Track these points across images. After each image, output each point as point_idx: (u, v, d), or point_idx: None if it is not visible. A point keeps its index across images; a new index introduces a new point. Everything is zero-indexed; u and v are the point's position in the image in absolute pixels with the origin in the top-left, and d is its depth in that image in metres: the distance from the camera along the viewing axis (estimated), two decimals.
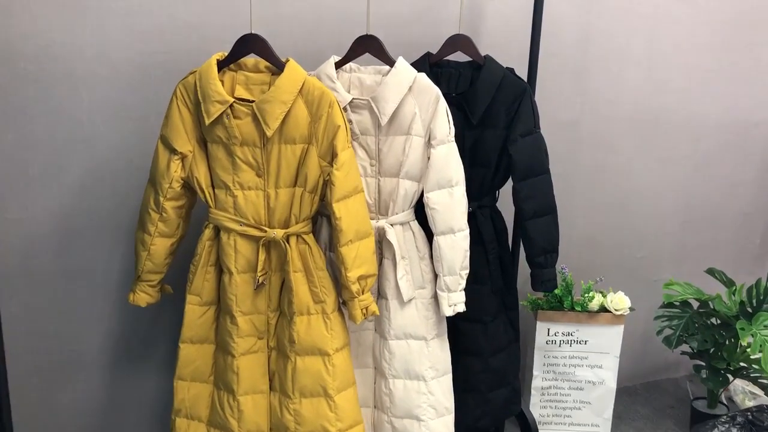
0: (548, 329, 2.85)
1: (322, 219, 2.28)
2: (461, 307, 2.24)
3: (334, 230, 2.08)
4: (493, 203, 2.43)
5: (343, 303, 2.19)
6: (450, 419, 2.33)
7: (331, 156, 2.05)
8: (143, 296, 2.21)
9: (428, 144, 2.18)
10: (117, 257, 2.41)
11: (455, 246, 2.19)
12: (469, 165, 2.32)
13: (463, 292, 2.25)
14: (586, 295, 2.84)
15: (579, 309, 2.84)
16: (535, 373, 2.89)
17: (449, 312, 2.23)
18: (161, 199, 2.10)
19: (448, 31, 2.39)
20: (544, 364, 2.90)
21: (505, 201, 2.46)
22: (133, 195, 2.37)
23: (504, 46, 2.62)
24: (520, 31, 2.68)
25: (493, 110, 2.30)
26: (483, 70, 2.29)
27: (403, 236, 2.23)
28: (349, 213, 2.06)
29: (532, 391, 2.90)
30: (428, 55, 2.37)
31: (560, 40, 2.84)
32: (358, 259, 2.09)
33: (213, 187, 2.11)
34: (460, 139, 2.25)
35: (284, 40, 2.44)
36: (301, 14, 2.47)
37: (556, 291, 2.80)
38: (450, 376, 2.34)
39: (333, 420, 2.12)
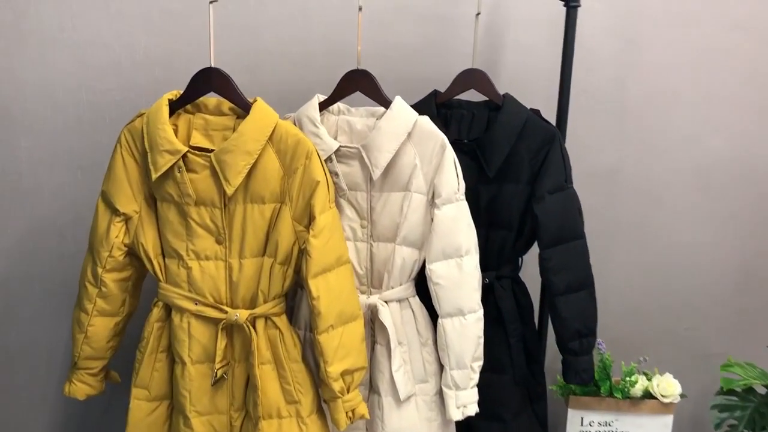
0: (582, 418, 2.39)
1: (302, 292, 1.86)
2: (472, 409, 1.80)
3: (312, 313, 1.65)
4: (514, 273, 1.99)
5: (325, 401, 1.75)
6: None
7: (309, 219, 1.63)
8: (81, 387, 1.80)
9: (432, 203, 1.76)
10: (64, 333, 2.00)
11: (465, 332, 1.75)
12: (485, 226, 1.89)
13: (476, 390, 1.81)
14: (628, 378, 2.36)
15: (619, 395, 2.36)
16: None
17: (457, 416, 1.78)
18: (99, 270, 1.69)
19: (459, 65, 1.98)
20: None
21: (530, 270, 2.01)
22: (82, 258, 1.98)
23: (526, 83, 2.21)
24: (545, 64, 2.27)
25: (514, 160, 1.87)
26: (502, 111, 1.88)
27: (401, 316, 1.80)
28: (329, 291, 1.64)
29: None
30: (435, 93, 1.97)
31: (594, 75, 2.43)
32: (342, 349, 1.66)
33: (163, 257, 1.70)
34: (473, 194, 1.83)
35: (266, 77, 2.06)
36: (287, 46, 2.09)
37: (596, 374, 2.33)
38: None
39: None
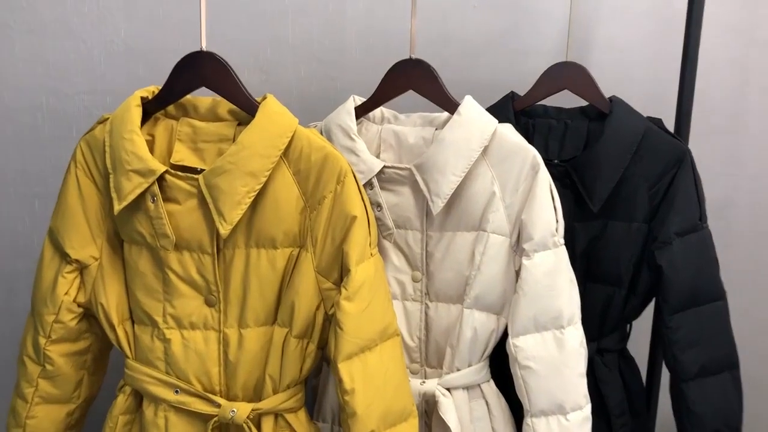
0: None
1: (329, 368, 1.33)
2: None
3: (343, 412, 1.12)
4: (622, 345, 1.44)
5: None
6: None
7: (340, 272, 1.11)
8: None
9: (517, 248, 1.23)
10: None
11: None
12: (582, 280, 1.36)
13: None
14: None
15: None
16: None
17: None
18: (42, 340, 1.19)
19: (535, 66, 1.46)
20: None
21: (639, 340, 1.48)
22: None
23: (620, 92, 1.67)
24: (643, 68, 1.75)
25: (626, 189, 1.35)
26: (609, 121, 1.35)
27: (470, 411, 1.28)
28: (369, 381, 1.11)
29: None
30: (512, 96, 1.45)
31: (707, 82, 1.90)
32: None
33: (132, 323, 1.19)
34: (567, 236, 1.28)
35: (284, 77, 1.57)
36: (312, 37, 1.59)
37: None
38: None
39: None
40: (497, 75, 1.66)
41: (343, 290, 1.10)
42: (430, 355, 1.31)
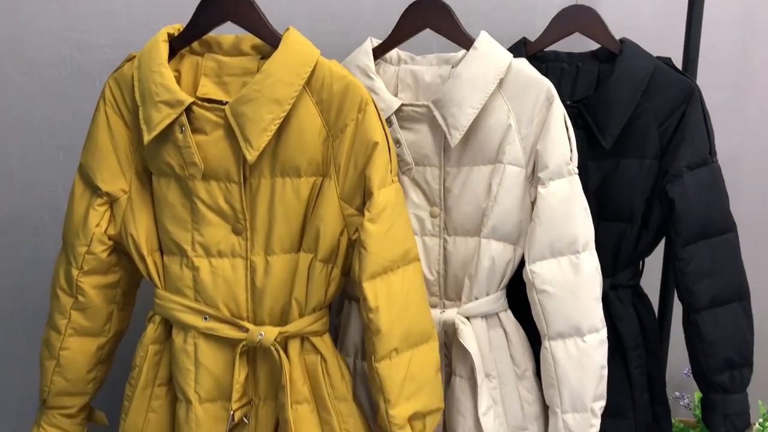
0: None
1: (351, 305, 1.37)
2: None
3: (367, 330, 1.16)
4: (635, 282, 1.48)
5: None
6: None
7: (363, 198, 1.16)
8: None
9: (532, 179, 1.27)
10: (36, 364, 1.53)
11: (584, 360, 1.25)
12: (596, 217, 1.39)
13: None
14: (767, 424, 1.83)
15: None
16: None
17: None
18: (75, 272, 1.24)
19: (545, 19, 1.50)
20: None
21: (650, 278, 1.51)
22: None
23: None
24: (650, 18, 1.77)
25: (637, 127, 1.39)
26: (619, 61, 1.39)
27: (488, 339, 1.31)
28: (393, 300, 1.16)
29: None
30: (524, 42, 1.49)
31: (713, 37, 1.93)
32: (410, 383, 1.17)
33: (161, 254, 1.24)
34: (581, 175, 1.32)
35: (302, 31, 1.60)
36: None
37: None
38: None
39: None
40: (509, 28, 1.69)
41: (366, 212, 1.14)
42: (449, 288, 1.34)
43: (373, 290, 1.14)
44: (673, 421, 1.73)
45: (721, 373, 1.41)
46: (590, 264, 1.26)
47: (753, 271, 1.65)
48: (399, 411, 1.16)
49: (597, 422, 1.29)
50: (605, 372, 1.28)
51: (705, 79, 1.87)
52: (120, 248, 1.26)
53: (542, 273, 1.25)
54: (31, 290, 1.62)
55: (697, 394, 1.80)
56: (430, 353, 1.21)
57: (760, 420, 1.84)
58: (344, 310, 1.41)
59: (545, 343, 1.27)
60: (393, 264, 1.16)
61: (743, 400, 1.44)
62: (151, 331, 1.26)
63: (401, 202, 1.18)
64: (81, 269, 1.23)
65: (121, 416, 1.30)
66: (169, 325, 1.26)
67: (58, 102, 1.57)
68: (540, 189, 1.25)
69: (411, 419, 1.18)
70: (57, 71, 1.55)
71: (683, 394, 1.90)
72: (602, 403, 1.29)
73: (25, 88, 1.55)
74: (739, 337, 1.41)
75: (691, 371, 1.76)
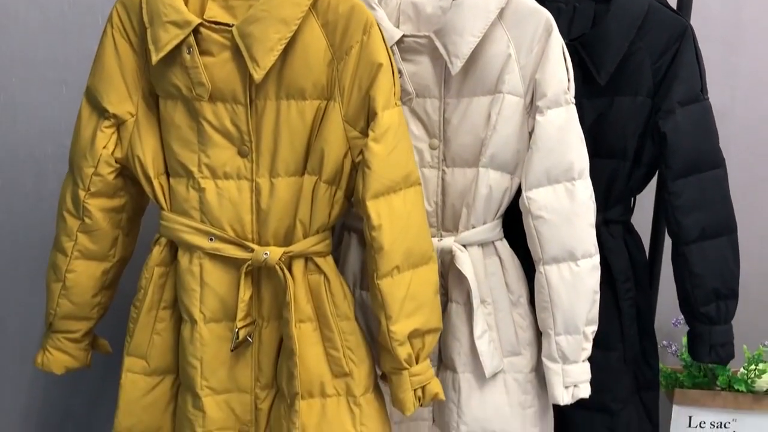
0: (690, 418, 1.94)
1: (350, 236, 1.41)
2: (585, 390, 1.34)
3: (370, 249, 1.20)
4: (626, 218, 1.53)
5: (383, 377, 1.30)
6: None
7: (367, 120, 1.19)
8: (59, 357, 1.37)
9: (531, 110, 1.31)
10: (39, 300, 1.56)
11: (578, 283, 1.30)
12: (589, 155, 1.43)
13: (588, 365, 1.34)
14: (753, 367, 1.89)
15: (739, 388, 1.89)
16: None
17: (564, 398, 1.33)
18: (82, 193, 1.26)
19: None
20: None
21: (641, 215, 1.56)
22: None
23: None
24: None
25: (631, 65, 1.43)
26: (615, 0, 1.42)
27: (484, 266, 1.35)
28: (395, 220, 1.20)
29: None
30: None
31: None
32: (410, 301, 1.21)
33: (167, 176, 1.26)
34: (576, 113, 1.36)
35: None
36: None
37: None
38: None
39: None
40: None
41: (370, 132, 1.18)
42: (446, 219, 1.38)
43: (376, 209, 1.18)
44: (661, 366, 1.80)
45: (707, 304, 1.47)
46: (585, 191, 1.30)
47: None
48: (399, 327, 1.20)
49: (589, 346, 1.34)
50: (597, 297, 1.33)
51: (696, 33, 1.92)
52: (126, 173, 1.29)
53: (538, 199, 1.30)
54: (34, 225, 1.64)
55: (685, 338, 1.86)
56: (430, 274, 1.25)
57: (745, 364, 1.91)
58: (344, 241, 1.45)
59: (539, 268, 1.32)
60: (395, 185, 1.20)
61: (728, 331, 1.50)
62: (157, 253, 1.29)
63: (404, 126, 1.22)
64: (88, 191, 1.26)
65: (126, 338, 1.33)
66: (174, 248, 1.29)
67: (61, 37, 1.58)
68: (538, 117, 1.29)
69: (411, 336, 1.22)
70: (60, 6, 1.57)
71: (671, 342, 1.96)
72: (594, 327, 1.34)
73: (29, 23, 1.56)
74: (725, 269, 1.47)
75: (679, 322, 1.83)
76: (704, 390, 1.91)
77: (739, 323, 1.77)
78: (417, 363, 1.23)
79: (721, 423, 1.93)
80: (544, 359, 1.34)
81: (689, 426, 1.93)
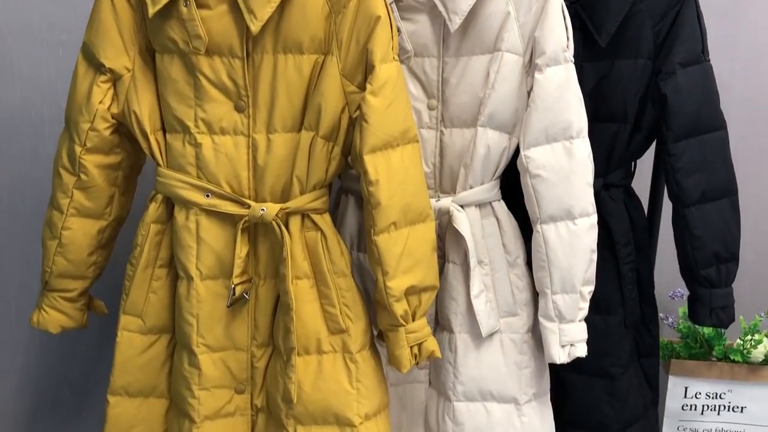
0: (686, 388, 1.94)
1: (348, 198, 1.40)
2: (581, 350, 1.34)
3: (367, 204, 1.20)
4: (626, 182, 1.52)
5: (379, 335, 1.29)
6: None
7: (364, 74, 1.18)
8: (54, 316, 1.36)
9: (530, 69, 1.30)
10: (36, 263, 1.56)
11: (575, 242, 1.30)
12: (590, 119, 1.42)
13: (585, 325, 1.34)
14: (748, 338, 1.89)
15: (735, 359, 1.90)
16: None
17: (561, 357, 1.33)
18: (78, 149, 1.26)
19: None
20: None
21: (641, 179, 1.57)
22: None
23: None
24: None
25: (631, 27, 1.42)
26: None
27: (482, 227, 1.35)
28: (392, 175, 1.19)
29: None
30: None
31: None
32: (408, 258, 1.21)
33: (163, 132, 1.25)
34: (577, 76, 1.35)
35: None
36: None
37: (705, 328, 1.86)
38: None
39: None
40: None
41: (368, 86, 1.17)
42: (444, 181, 1.38)
43: (373, 163, 1.17)
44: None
45: (708, 266, 1.47)
46: (583, 150, 1.29)
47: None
48: (396, 283, 1.20)
49: (585, 306, 1.33)
50: (594, 257, 1.33)
51: None
52: (123, 130, 1.28)
53: (536, 158, 1.29)
54: (30, 186, 1.64)
55: (682, 309, 1.85)
56: (428, 232, 1.24)
57: (741, 335, 1.91)
58: (341, 204, 1.44)
59: (537, 227, 1.31)
60: (393, 140, 1.19)
61: (729, 294, 1.50)
62: (153, 209, 1.28)
63: (402, 81, 1.21)
64: (84, 146, 1.25)
65: (122, 297, 1.33)
66: (170, 205, 1.28)
67: None
68: (537, 75, 1.28)
69: (407, 293, 1.22)
70: None
71: (668, 315, 1.95)
72: (591, 288, 1.34)
73: None
74: (726, 231, 1.46)
75: (676, 294, 1.82)
76: (700, 361, 1.91)
77: (736, 295, 1.78)
78: (413, 320, 1.23)
79: (716, 393, 1.93)
80: (540, 318, 1.33)
81: (685, 396, 1.94)
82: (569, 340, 1.32)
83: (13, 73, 1.60)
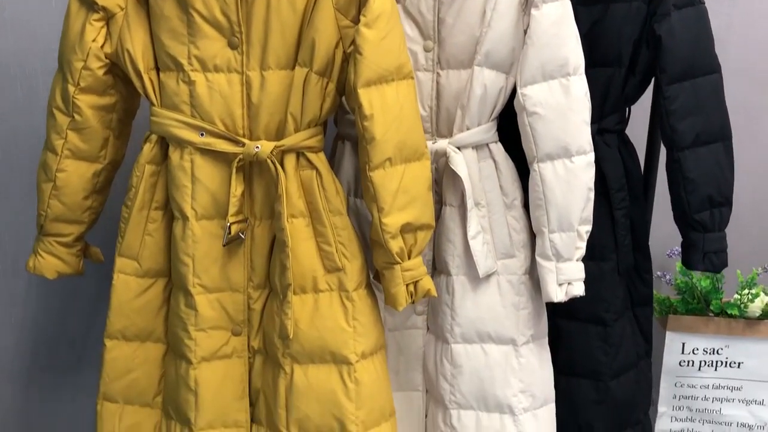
0: (683, 344, 1.95)
1: (344, 144, 1.40)
2: (579, 288, 1.34)
3: (362, 140, 1.20)
4: (621, 128, 1.52)
5: (375, 276, 1.29)
6: None
7: (358, 8, 1.18)
8: (50, 261, 1.37)
9: (526, 7, 1.30)
10: (32, 213, 1.55)
11: (572, 180, 1.30)
12: (585, 63, 1.42)
13: (582, 264, 1.34)
14: (745, 292, 1.89)
15: (732, 313, 1.90)
16: (660, 409, 2.00)
17: (558, 295, 1.33)
18: (71, 88, 1.25)
19: None
20: (675, 397, 2.00)
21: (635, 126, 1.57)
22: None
23: None
24: None
25: None
26: None
27: (479, 169, 1.35)
28: (387, 110, 1.19)
29: None
30: None
31: None
32: (403, 195, 1.21)
33: (157, 71, 1.25)
34: None
35: None
36: None
37: (702, 283, 1.86)
38: (553, 406, 1.44)
39: None
40: None
41: (362, 17, 1.17)
42: (440, 124, 1.38)
43: (368, 97, 1.17)
44: (654, 293, 1.81)
45: (701, 210, 1.47)
46: (580, 87, 1.29)
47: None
48: (391, 220, 1.20)
49: (582, 245, 1.34)
50: (591, 195, 1.33)
51: None
52: (117, 71, 1.28)
53: (533, 95, 1.29)
54: (23, 137, 1.63)
55: (679, 265, 1.86)
56: (423, 170, 1.24)
57: (738, 289, 1.92)
58: (337, 150, 1.44)
59: (534, 166, 1.31)
60: (388, 74, 1.19)
61: (722, 238, 1.50)
62: (148, 150, 1.28)
63: (396, 15, 1.21)
64: (78, 86, 1.25)
65: (117, 239, 1.33)
66: (165, 146, 1.28)
67: None
68: (533, 11, 1.28)
69: (402, 231, 1.22)
70: None
71: (665, 273, 1.96)
72: (588, 227, 1.34)
73: None
74: (720, 175, 1.47)
75: (673, 252, 1.83)
76: (698, 316, 1.92)
77: (732, 251, 1.78)
78: (409, 258, 1.23)
79: (714, 349, 1.94)
80: (537, 258, 1.34)
81: (682, 352, 1.94)
82: (566, 279, 1.32)
83: (5, 24, 1.58)
